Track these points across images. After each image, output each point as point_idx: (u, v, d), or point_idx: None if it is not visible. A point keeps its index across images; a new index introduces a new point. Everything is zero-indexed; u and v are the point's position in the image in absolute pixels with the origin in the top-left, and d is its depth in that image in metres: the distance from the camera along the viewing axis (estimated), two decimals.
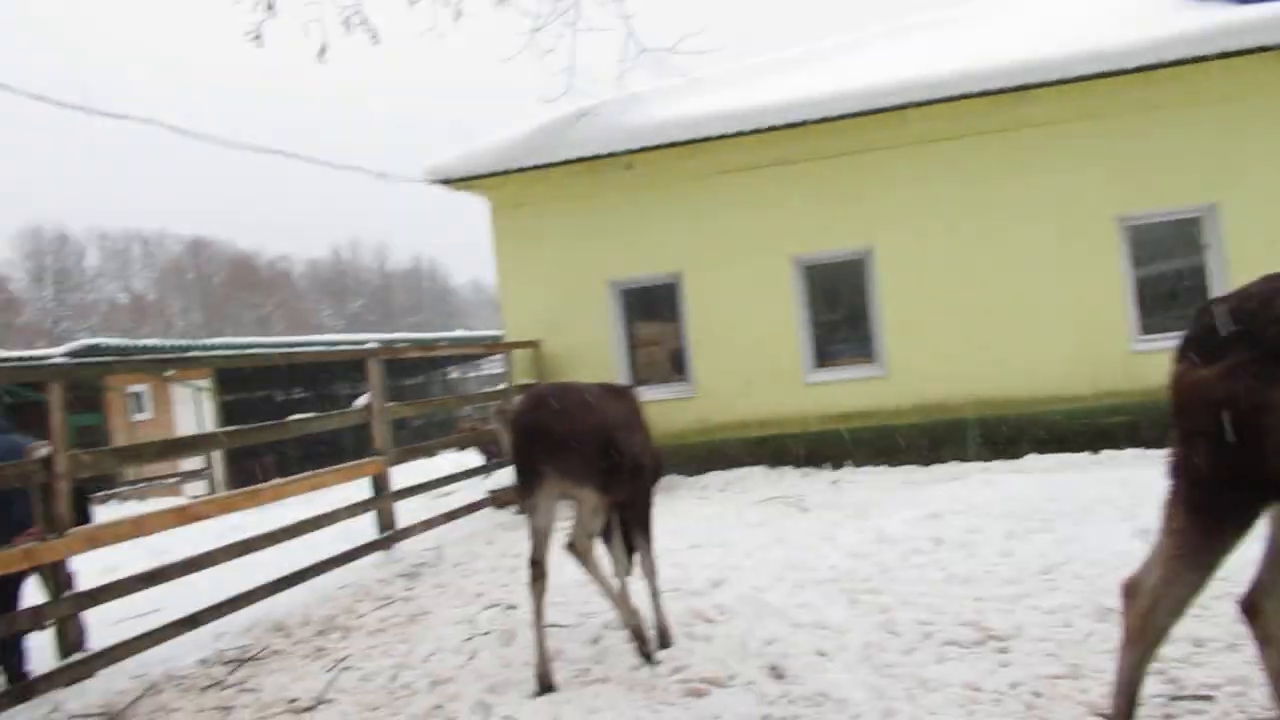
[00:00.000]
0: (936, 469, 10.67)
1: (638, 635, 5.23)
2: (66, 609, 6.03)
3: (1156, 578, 3.16)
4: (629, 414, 5.45)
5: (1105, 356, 10.67)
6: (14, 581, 6.26)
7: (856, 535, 7.62)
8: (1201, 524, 3.01)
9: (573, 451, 5.00)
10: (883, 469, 11.09)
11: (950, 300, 11.07)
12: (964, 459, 10.91)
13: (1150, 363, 10.51)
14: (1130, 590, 3.27)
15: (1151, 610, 3.15)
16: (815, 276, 11.81)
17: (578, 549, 5.44)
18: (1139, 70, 10.00)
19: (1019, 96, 10.51)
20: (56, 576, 6.03)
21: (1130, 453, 10.20)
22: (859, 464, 11.29)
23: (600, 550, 5.48)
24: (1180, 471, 3.08)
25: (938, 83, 10.46)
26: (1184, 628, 4.72)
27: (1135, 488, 8.18)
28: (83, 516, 6.72)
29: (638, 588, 5.43)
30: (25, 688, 5.66)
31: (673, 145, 11.42)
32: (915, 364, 11.21)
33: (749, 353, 11.75)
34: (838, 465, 11.34)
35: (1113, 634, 4.77)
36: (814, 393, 11.57)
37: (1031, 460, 10.36)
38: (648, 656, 5.14)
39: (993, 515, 7.70)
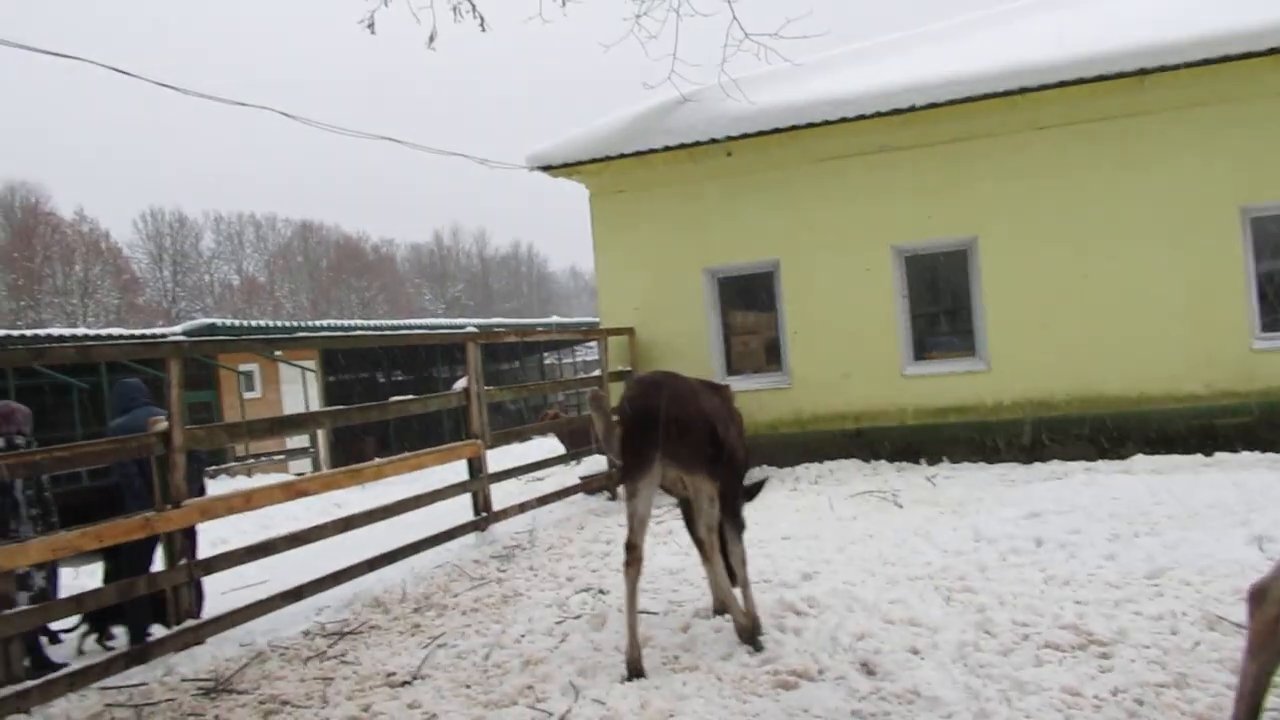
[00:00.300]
0: (1037, 467, 10.36)
1: (748, 636, 5.24)
2: (181, 576, 6.32)
3: None
4: (727, 408, 5.59)
5: (1223, 354, 10.21)
6: (147, 546, 6.61)
7: (952, 533, 7.47)
8: None
9: (684, 438, 5.07)
10: (981, 466, 10.83)
11: (1057, 294, 10.72)
12: (1067, 458, 10.57)
13: (1271, 362, 10.05)
14: (1257, 596, 3.11)
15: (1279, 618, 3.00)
16: (916, 267, 11.57)
17: (701, 540, 5.44)
18: (1270, 53, 9.49)
19: (1138, 82, 10.09)
20: (172, 545, 6.33)
21: (1246, 456, 9.75)
22: (956, 460, 11.04)
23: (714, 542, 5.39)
24: None
25: (1051, 68, 10.10)
26: None
27: (1250, 492, 7.82)
28: (197, 489, 7.04)
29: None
30: (143, 650, 5.95)
31: (774, 132, 11.30)
32: (1019, 358, 10.90)
33: (846, 343, 11.59)
34: (934, 460, 11.12)
35: (1222, 643, 4.59)
36: (912, 385, 11.35)
37: (1139, 461, 9.97)
38: (758, 649, 5.14)
39: (1096, 517, 7.45)
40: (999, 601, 5.60)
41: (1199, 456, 9.95)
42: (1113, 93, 10.30)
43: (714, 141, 11.59)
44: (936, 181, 11.20)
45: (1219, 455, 9.89)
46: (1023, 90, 10.24)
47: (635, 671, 4.94)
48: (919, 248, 11.46)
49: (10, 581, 5.31)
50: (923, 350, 11.52)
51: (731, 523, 5.48)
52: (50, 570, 6.42)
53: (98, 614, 6.88)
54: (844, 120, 10.98)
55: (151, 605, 6.47)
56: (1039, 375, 10.82)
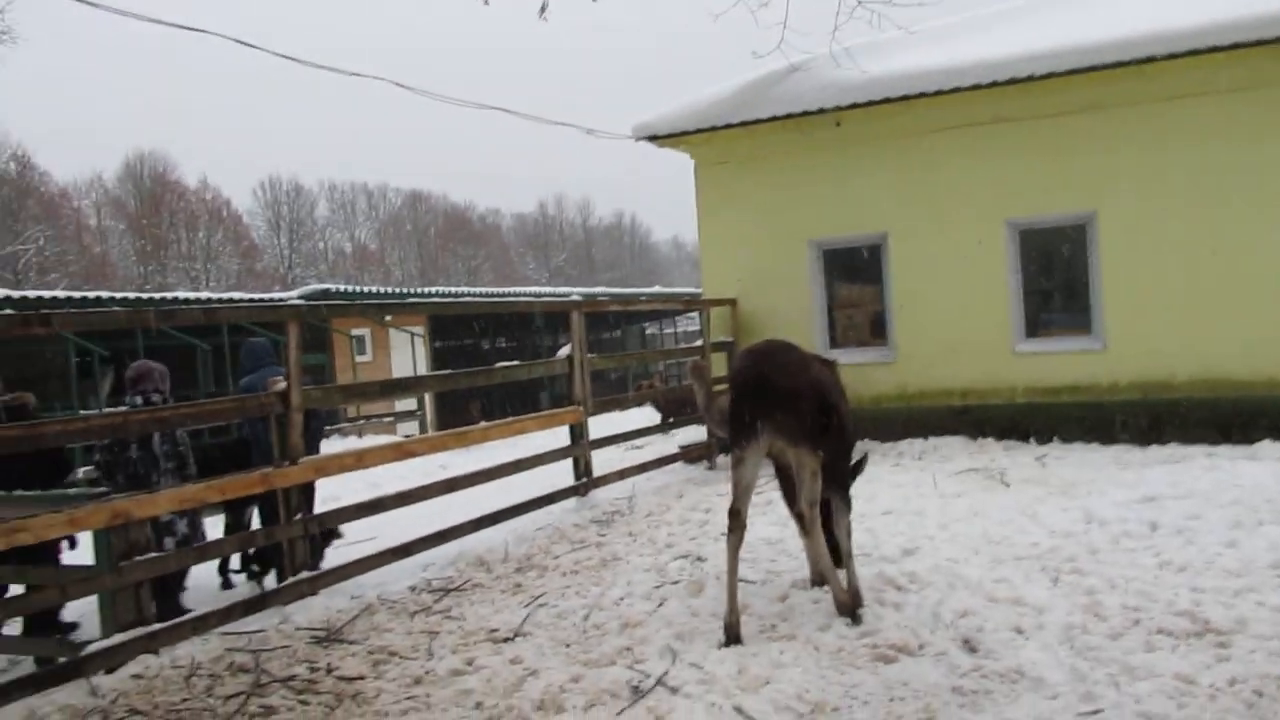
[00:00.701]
0: (1154, 450, 9.96)
1: (847, 610, 5.21)
2: (297, 530, 6.59)
3: None
4: (836, 381, 5.62)
5: None
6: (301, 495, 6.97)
7: (1062, 514, 7.27)
8: None
9: (791, 409, 5.08)
10: (1094, 447, 10.45)
11: (1181, 272, 10.24)
12: (1186, 442, 10.13)
13: None
14: None
15: None
16: (1030, 241, 11.20)
17: (801, 514, 5.44)
18: None
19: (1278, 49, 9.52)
20: (289, 500, 6.61)
21: None
22: (1067, 440, 10.69)
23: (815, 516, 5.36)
24: None
25: (1181, 35, 9.60)
26: None
27: None
28: (316, 448, 7.35)
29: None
30: (260, 599, 6.25)
31: (885, 102, 11.03)
32: (1137, 338, 10.47)
33: (955, 318, 11.31)
34: (1044, 440, 10.79)
35: None
36: (1022, 363, 11.02)
37: (1266, 447, 9.46)
38: (857, 622, 5.12)
39: (1217, 503, 7.15)
40: (1109, 585, 5.44)
41: None
42: (1250, 60, 9.74)
43: (823, 111, 11.39)
44: (1055, 154, 10.78)
45: None
46: (1151, 59, 9.77)
47: (733, 637, 4.97)
48: (1034, 222, 11.08)
49: (143, 529, 5.62)
50: (1034, 328, 11.16)
51: (840, 496, 5.51)
52: (191, 519, 6.75)
53: (263, 554, 7.25)
54: (958, 90, 10.65)
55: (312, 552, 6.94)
56: (1159, 356, 10.38)
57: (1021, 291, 11.18)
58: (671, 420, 13.55)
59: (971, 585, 5.62)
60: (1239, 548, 5.95)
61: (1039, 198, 10.90)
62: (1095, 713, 3.83)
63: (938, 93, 10.75)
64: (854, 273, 12.25)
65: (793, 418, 5.08)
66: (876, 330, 12.04)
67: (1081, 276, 10.95)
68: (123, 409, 6.78)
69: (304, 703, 4.63)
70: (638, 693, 4.41)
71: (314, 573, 6.67)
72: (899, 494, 8.73)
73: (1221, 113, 10.02)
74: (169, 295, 21.24)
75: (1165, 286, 10.31)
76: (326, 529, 7.26)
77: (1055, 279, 11.31)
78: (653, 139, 12.48)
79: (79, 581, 5.42)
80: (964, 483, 8.95)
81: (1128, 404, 10.51)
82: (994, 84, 10.42)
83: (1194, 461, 8.94)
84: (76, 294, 20.32)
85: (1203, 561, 5.77)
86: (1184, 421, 10.26)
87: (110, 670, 5.15)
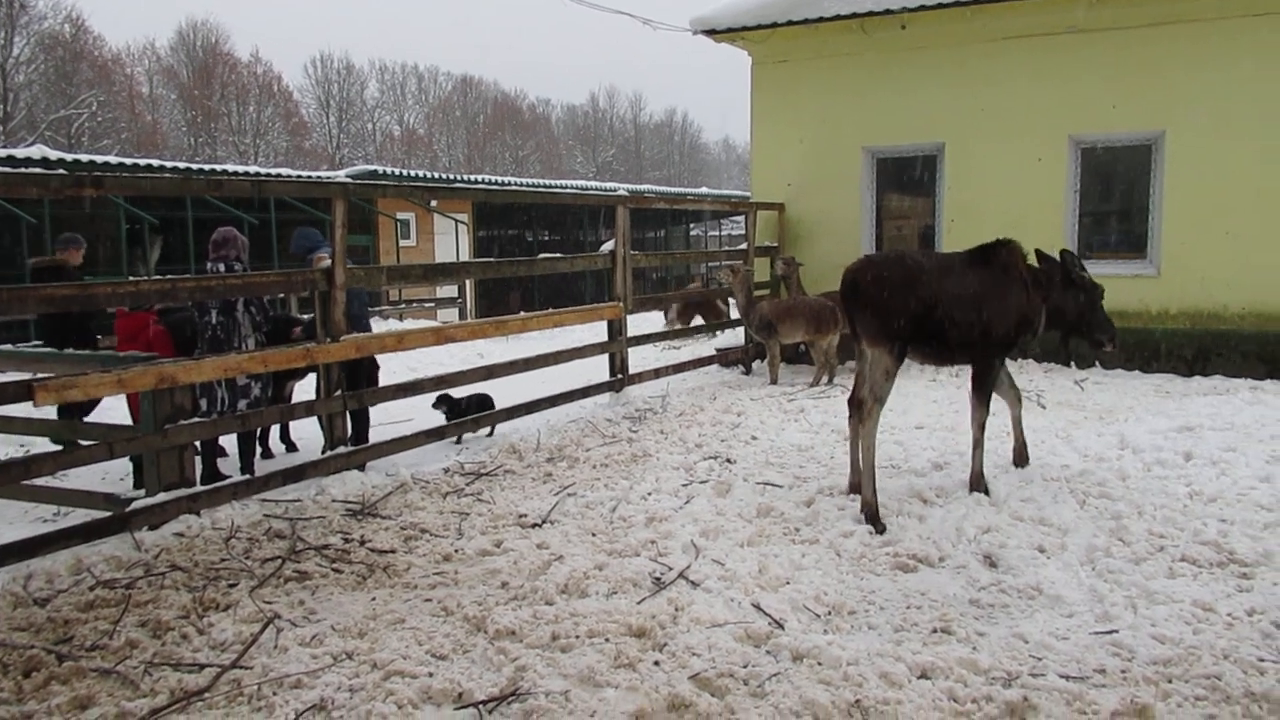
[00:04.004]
0: (1198, 381, 9.83)
1: (871, 514, 5.35)
2: (337, 405, 6.73)
3: None
4: (986, 284, 5.91)
5: None
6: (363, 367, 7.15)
7: (1096, 439, 7.23)
8: None
9: (871, 314, 5.61)
10: (1136, 375, 10.34)
11: (1247, 199, 9.92)
12: (1231, 374, 9.97)
13: None
14: None
15: None
16: (1092, 160, 10.87)
17: (859, 405, 5.74)
18: None
19: None
20: (330, 375, 6.73)
21: None
22: (1109, 366, 10.56)
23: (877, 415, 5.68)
24: None
25: None
26: None
27: None
28: (364, 326, 7.46)
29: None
30: (298, 469, 6.42)
31: (955, 5, 10.60)
32: (1194, 266, 10.22)
33: (1006, 234, 11.04)
34: (1085, 365, 10.66)
35: None
36: None
37: None
38: (880, 530, 5.24)
39: (1256, 437, 7.07)
40: (1137, 511, 5.43)
41: None
42: None
43: (889, 13, 10.98)
44: (1127, 69, 10.37)
45: None
46: None
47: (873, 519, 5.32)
48: (1099, 139, 10.74)
49: (188, 394, 5.77)
50: (1088, 250, 10.91)
51: (980, 395, 6.13)
52: (265, 382, 6.90)
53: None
54: None
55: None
56: (1213, 285, 10.15)
57: (1078, 211, 10.92)
58: (712, 324, 13.52)
59: (998, 503, 5.64)
60: (1273, 482, 5.90)
61: (1106, 114, 10.53)
62: (1110, 632, 3.86)
63: None
64: (906, 184, 11.99)
65: (874, 322, 5.60)
66: (925, 244, 11.84)
67: (1141, 199, 10.66)
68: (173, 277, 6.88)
69: (337, 570, 4.78)
70: (659, 584, 4.51)
71: (350, 449, 6.83)
72: (934, 409, 8.72)
73: None
74: (218, 167, 21.29)
75: (1227, 215, 10.02)
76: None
77: (1114, 201, 11.01)
78: (711, 33, 12.14)
79: (126, 441, 5.59)
80: (998, 403, 8.86)
81: (1175, 333, 10.34)
82: None
83: (1237, 394, 8.82)
84: (128, 160, 20.44)
85: (1235, 494, 5.74)
86: (1232, 354, 10.08)
87: (154, 527, 5.35)
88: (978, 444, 6.00)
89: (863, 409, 5.63)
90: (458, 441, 7.86)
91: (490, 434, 8.06)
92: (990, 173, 11.10)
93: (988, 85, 11.05)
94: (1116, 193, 10.98)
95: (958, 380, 10.07)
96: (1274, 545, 4.79)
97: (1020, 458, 6.54)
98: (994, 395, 6.17)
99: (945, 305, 5.70)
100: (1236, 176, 9.95)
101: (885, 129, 11.71)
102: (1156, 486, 5.95)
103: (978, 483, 5.90)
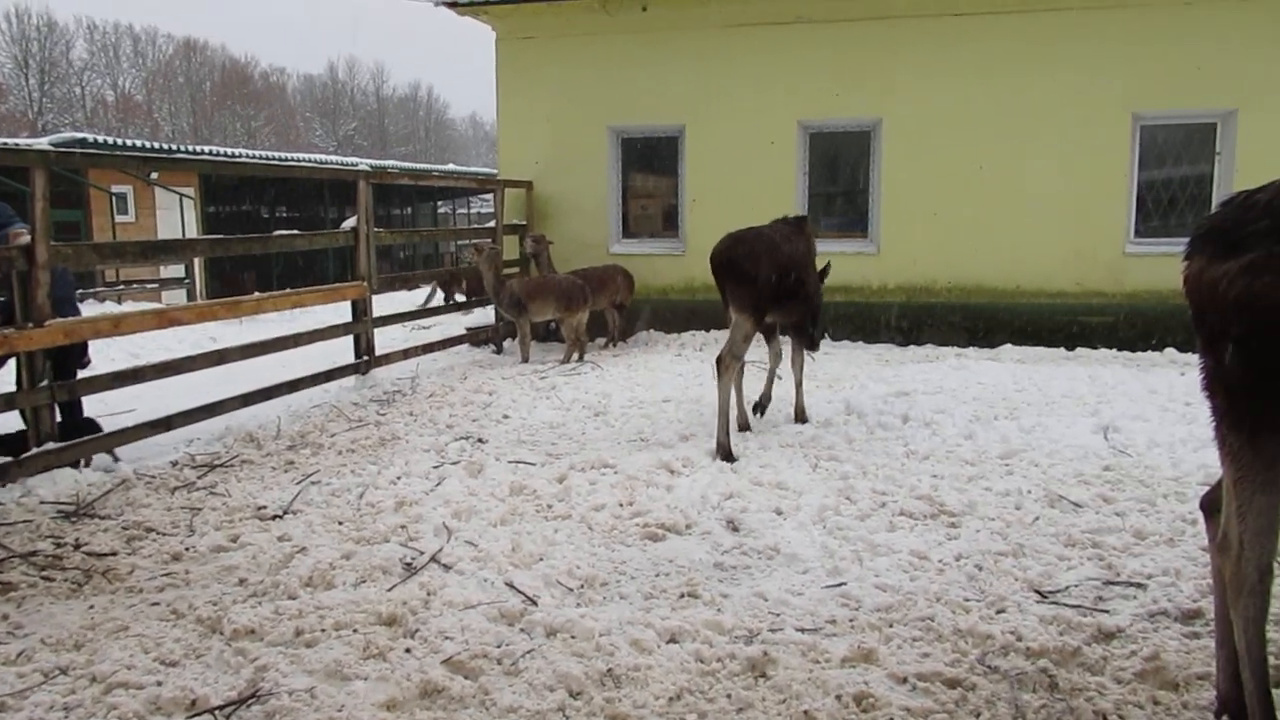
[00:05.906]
0: (913, 350, 10.78)
1: (725, 452, 6.21)
2: (42, 397, 6.08)
3: (1230, 510, 2.73)
4: (804, 249, 6.99)
5: (1097, 256, 10.65)
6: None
7: (826, 405, 7.74)
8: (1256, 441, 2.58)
9: (743, 286, 6.44)
10: (860, 345, 11.19)
11: (951, 184, 10.93)
12: (941, 343, 11.00)
13: (1140, 266, 10.53)
14: (1222, 546, 2.80)
15: (1239, 555, 2.67)
16: (820, 144, 11.59)
17: (719, 362, 6.49)
18: None
19: None
20: (33, 365, 6.06)
21: (1105, 352, 10.32)
22: (838, 338, 11.36)
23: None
24: (1213, 383, 2.68)
25: None
26: (1129, 520, 4.89)
27: (1103, 386, 8.34)
28: (71, 310, 6.74)
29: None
30: (1, 469, 5.75)
31: None
32: (907, 244, 11.15)
33: (744, 215, 11.54)
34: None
35: (1060, 519, 4.94)
36: None
37: (1007, 350, 10.46)
38: (731, 460, 6.17)
39: (961, 399, 7.83)
40: (861, 471, 5.88)
41: (1062, 350, 10.49)
42: None
43: None
44: (849, 59, 11.13)
45: (1080, 350, 10.45)
46: None
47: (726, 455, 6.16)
48: (825, 125, 11.46)
49: None
50: (819, 229, 11.61)
51: (803, 342, 7.34)
52: None
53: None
54: None
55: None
56: (925, 262, 11.12)
57: (808, 193, 11.61)
58: (460, 303, 13.34)
59: (740, 469, 5.93)
60: (975, 439, 6.56)
61: (831, 101, 11.25)
62: (839, 585, 4.15)
63: None
64: (651, 163, 12.29)
65: (743, 292, 6.44)
66: (669, 223, 12.21)
67: (864, 183, 11.48)
68: None
69: (47, 579, 4.34)
70: (410, 569, 4.41)
71: (60, 445, 6.20)
72: (680, 383, 9.02)
73: (1001, 35, 10.64)
74: None
75: (935, 197, 10.99)
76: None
77: (840, 183, 11.78)
78: (453, 5, 11.89)
79: None
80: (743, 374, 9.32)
81: (894, 306, 11.24)
82: None
83: (945, 361, 9.73)
84: None
85: (944, 451, 6.33)
86: (940, 324, 11.10)
87: None
88: (799, 385, 7.34)
89: (720, 365, 6.46)
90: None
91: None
92: (728, 154, 11.59)
93: (725, 69, 11.51)
94: (842, 176, 11.76)
95: (701, 354, 10.50)
96: (977, 496, 5.32)
97: (798, 414, 7.44)
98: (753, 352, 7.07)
99: (795, 269, 6.66)
100: (941, 162, 10.94)
101: (629, 109, 11.94)
102: (879, 448, 6.45)
103: (801, 415, 7.25)
